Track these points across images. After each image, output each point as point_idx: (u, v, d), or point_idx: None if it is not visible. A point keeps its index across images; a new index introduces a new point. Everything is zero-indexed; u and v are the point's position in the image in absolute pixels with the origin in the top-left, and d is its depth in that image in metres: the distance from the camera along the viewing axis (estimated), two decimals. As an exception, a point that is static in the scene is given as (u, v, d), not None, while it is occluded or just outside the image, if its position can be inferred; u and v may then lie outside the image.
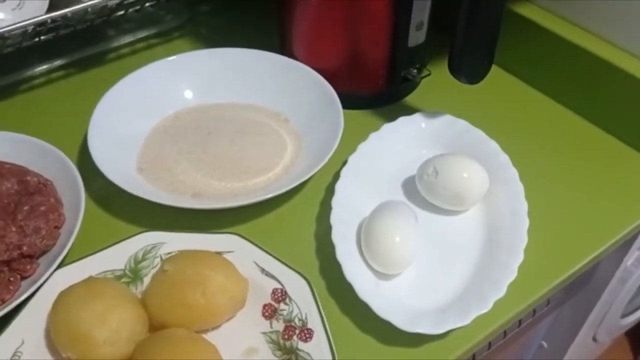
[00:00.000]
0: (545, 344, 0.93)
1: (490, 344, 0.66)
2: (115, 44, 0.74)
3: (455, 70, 0.57)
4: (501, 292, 0.47)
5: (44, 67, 0.70)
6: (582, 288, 0.76)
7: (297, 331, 0.46)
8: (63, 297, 0.44)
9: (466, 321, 0.46)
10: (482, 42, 0.54)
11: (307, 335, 0.46)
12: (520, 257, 0.49)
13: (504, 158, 0.57)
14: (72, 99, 0.68)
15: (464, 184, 0.53)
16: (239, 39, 0.67)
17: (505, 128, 0.62)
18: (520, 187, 0.54)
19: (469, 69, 0.57)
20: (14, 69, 0.69)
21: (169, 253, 0.50)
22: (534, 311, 0.69)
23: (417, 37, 0.61)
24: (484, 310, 0.46)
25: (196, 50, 0.66)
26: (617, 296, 0.79)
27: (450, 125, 0.60)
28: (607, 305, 0.81)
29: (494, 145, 0.58)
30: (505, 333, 0.68)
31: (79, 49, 0.72)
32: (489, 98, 0.67)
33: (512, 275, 0.48)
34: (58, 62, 0.71)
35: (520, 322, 0.69)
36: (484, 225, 0.54)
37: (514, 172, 0.56)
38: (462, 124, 0.60)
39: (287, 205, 0.58)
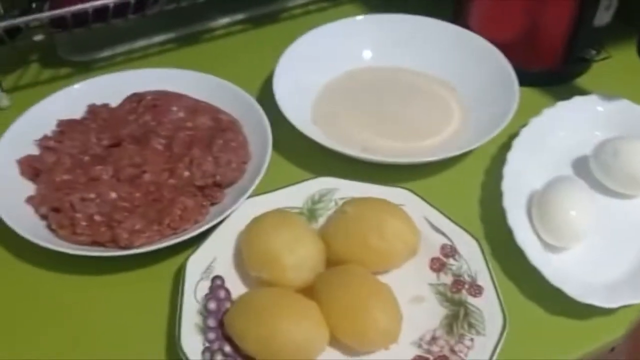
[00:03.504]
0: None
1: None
2: (290, 3, 0.78)
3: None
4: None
5: (225, 20, 0.75)
6: None
7: (467, 286, 0.48)
8: (258, 223, 0.48)
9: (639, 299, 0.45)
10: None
11: (476, 291, 0.47)
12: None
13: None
14: (248, 51, 0.72)
15: (642, 169, 0.52)
16: (408, 6, 0.69)
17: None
18: (702, 179, 0.53)
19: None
20: (200, 18, 0.74)
21: (342, 198, 0.53)
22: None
23: (604, 16, 0.60)
24: (660, 292, 0.46)
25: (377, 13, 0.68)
26: None
27: (627, 110, 0.59)
28: None
29: (673, 134, 0.56)
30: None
31: (256, 6, 0.77)
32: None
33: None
34: (238, 17, 0.76)
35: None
36: (659, 211, 0.53)
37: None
38: (640, 110, 0.59)
39: (451, 170, 0.59)
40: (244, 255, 0.48)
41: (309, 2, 0.78)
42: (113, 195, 0.51)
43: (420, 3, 0.70)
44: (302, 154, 0.59)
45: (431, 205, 0.52)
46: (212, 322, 0.45)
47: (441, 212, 0.52)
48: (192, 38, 0.74)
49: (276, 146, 0.60)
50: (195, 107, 0.58)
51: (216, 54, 0.73)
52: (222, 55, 0.72)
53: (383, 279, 0.49)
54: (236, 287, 0.48)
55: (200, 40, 0.74)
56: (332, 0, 0.79)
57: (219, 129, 0.56)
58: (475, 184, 0.58)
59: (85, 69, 0.69)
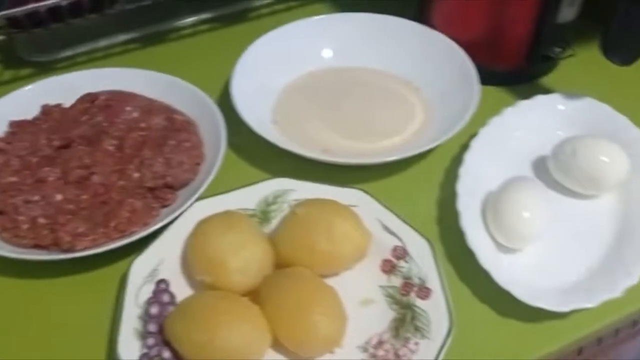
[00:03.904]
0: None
1: (600, 339, 0.64)
2: (258, 3, 0.77)
3: (610, 50, 0.55)
4: (634, 280, 0.45)
5: (191, 19, 0.74)
6: None
7: (415, 288, 0.47)
8: (203, 225, 0.47)
9: (593, 303, 0.45)
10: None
11: (425, 294, 0.46)
12: (657, 248, 0.47)
13: (648, 147, 0.54)
14: (215, 50, 0.71)
15: (602, 168, 0.52)
16: (375, 5, 0.68)
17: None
18: (663, 178, 0.52)
19: (626, 49, 0.54)
20: (165, 18, 0.74)
21: (297, 200, 0.52)
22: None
23: (567, 13, 0.59)
24: (614, 295, 0.45)
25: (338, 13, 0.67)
26: None
27: (591, 109, 0.58)
28: None
29: (637, 132, 0.55)
30: (617, 332, 0.65)
31: (223, 6, 0.76)
32: (634, 84, 0.64)
33: (647, 264, 0.46)
34: (204, 16, 0.75)
35: (634, 322, 0.66)
36: (619, 212, 0.52)
37: (657, 162, 0.53)
38: (605, 108, 0.58)
39: (411, 170, 0.58)
40: (189, 259, 0.47)
41: (276, 2, 0.77)
42: (59, 197, 0.50)
43: (386, 2, 0.69)
44: (262, 155, 0.59)
45: (384, 206, 0.51)
46: (152, 327, 0.44)
47: (394, 213, 0.51)
48: (157, 37, 0.73)
49: (236, 147, 0.60)
50: (150, 107, 0.57)
51: (182, 53, 0.72)
52: (187, 55, 0.71)
53: (333, 281, 0.48)
54: (183, 291, 0.47)
55: (165, 40, 0.73)
56: (300, 0, 0.78)
57: (173, 130, 0.56)
58: (434, 185, 0.57)
59: (47, 69, 0.68)
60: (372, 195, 0.52)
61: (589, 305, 0.45)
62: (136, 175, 0.52)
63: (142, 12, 0.68)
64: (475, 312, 0.47)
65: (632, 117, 0.57)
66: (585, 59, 0.63)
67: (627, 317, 0.47)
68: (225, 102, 0.60)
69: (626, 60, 0.55)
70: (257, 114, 0.59)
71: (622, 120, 0.56)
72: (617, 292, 0.45)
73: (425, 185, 0.57)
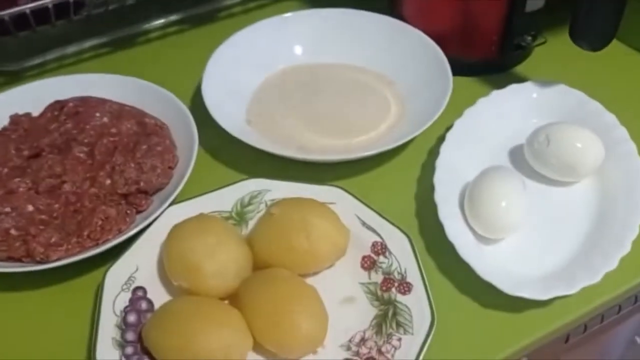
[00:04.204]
0: (639, 340, 0.89)
1: (586, 326, 0.64)
2: (229, 2, 0.76)
3: (577, 36, 0.55)
4: (612, 265, 0.45)
5: (160, 22, 0.73)
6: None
7: (396, 284, 0.46)
8: (177, 230, 0.47)
9: (573, 290, 0.44)
10: (610, 6, 0.52)
11: (405, 289, 0.46)
12: (635, 232, 0.47)
13: (622, 131, 0.54)
14: (184, 52, 0.71)
15: (576, 155, 0.52)
16: (347, 0, 0.68)
17: (624, 101, 0.59)
18: (638, 162, 0.52)
19: (593, 35, 0.54)
20: (134, 21, 0.72)
21: (273, 200, 0.52)
22: (636, 298, 0.66)
23: (536, 1, 0.59)
24: (593, 282, 0.45)
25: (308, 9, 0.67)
26: None
27: (564, 96, 0.58)
28: None
29: (611, 117, 0.55)
30: (602, 317, 0.65)
31: (193, 6, 0.75)
32: (606, 70, 0.64)
33: (626, 249, 0.46)
34: (173, 17, 0.74)
35: (620, 307, 0.66)
36: (596, 198, 0.52)
37: (631, 146, 0.53)
38: (577, 94, 0.58)
39: (388, 165, 0.58)
40: (165, 265, 0.46)
41: (248, 0, 0.77)
42: (30, 208, 0.49)
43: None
44: (237, 156, 0.58)
45: (362, 202, 0.51)
46: (131, 336, 0.43)
47: (372, 209, 0.50)
48: (126, 41, 0.72)
49: (210, 149, 0.59)
50: (120, 112, 0.56)
51: (152, 56, 0.71)
52: (157, 57, 0.71)
53: (313, 280, 0.48)
54: (161, 298, 0.47)
55: (135, 43, 0.72)
56: (271, -4, 0.78)
57: (144, 134, 0.55)
58: (411, 179, 0.57)
59: (16, 78, 0.67)
60: (349, 192, 0.52)
61: (570, 293, 0.45)
62: (108, 182, 0.51)
63: (110, 16, 0.67)
64: (457, 305, 0.47)
65: (605, 102, 0.57)
66: (558, 46, 0.63)
67: (610, 302, 0.47)
68: (198, 104, 0.59)
69: (595, 46, 0.55)
70: (230, 114, 0.58)
71: (595, 106, 0.56)
72: (597, 278, 0.45)
73: (402, 179, 0.56)
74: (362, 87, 0.63)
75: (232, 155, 0.58)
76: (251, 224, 0.51)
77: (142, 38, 0.73)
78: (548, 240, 0.50)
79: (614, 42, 0.56)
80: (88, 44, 0.70)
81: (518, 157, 0.56)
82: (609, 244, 0.47)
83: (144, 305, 0.46)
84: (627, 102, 0.60)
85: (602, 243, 0.47)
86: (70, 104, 0.56)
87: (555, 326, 0.46)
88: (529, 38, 0.62)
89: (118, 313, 0.44)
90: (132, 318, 0.44)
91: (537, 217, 0.51)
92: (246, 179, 0.53)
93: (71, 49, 0.70)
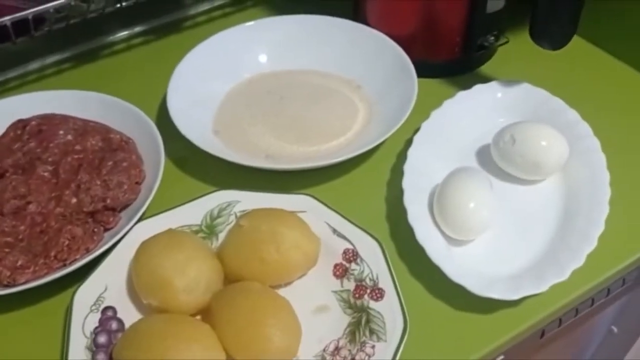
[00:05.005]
0: (615, 329, 0.90)
1: (560, 320, 0.65)
2: (192, 11, 0.75)
3: (537, 36, 0.55)
4: (580, 262, 0.46)
5: (124, 34, 0.73)
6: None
7: (368, 290, 0.46)
8: (145, 246, 0.46)
9: (542, 288, 0.45)
10: (568, 5, 0.52)
11: (378, 295, 0.46)
12: (601, 227, 0.47)
13: (585, 127, 0.55)
14: (150, 64, 0.70)
15: (542, 153, 0.52)
16: (312, 6, 0.68)
17: (586, 98, 0.60)
18: (601, 157, 0.53)
19: (553, 34, 0.55)
20: (97, 34, 0.72)
21: (243, 211, 0.51)
22: (608, 290, 0.66)
23: (496, 2, 0.59)
24: (562, 279, 0.45)
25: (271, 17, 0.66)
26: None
27: (528, 94, 0.59)
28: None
29: (574, 114, 0.56)
30: (577, 311, 0.66)
31: (157, 17, 0.74)
32: (568, 67, 0.65)
33: (592, 245, 0.47)
34: (137, 29, 0.73)
35: (593, 300, 0.67)
36: (562, 195, 0.53)
37: (594, 142, 0.54)
38: (541, 92, 0.58)
39: (358, 170, 0.58)
40: (134, 282, 0.46)
41: (212, 9, 0.76)
42: (-6, 231, 0.48)
43: (323, 3, 0.69)
44: (206, 168, 0.57)
45: (332, 209, 0.51)
46: (102, 357, 0.43)
47: (342, 216, 0.50)
48: (89, 55, 0.71)
49: (178, 162, 0.59)
50: (85, 129, 0.55)
51: (117, 69, 0.70)
52: (122, 70, 0.70)
53: (285, 291, 0.48)
54: (132, 317, 0.46)
55: (99, 57, 0.71)
56: (235, 5, 0.77)
57: (110, 150, 0.54)
58: (381, 183, 0.57)
59: (-23, 97, 0.66)
60: (319, 200, 0.51)
61: (539, 291, 0.45)
62: (74, 200, 0.51)
63: (72, 31, 0.66)
64: (430, 308, 0.47)
65: (568, 99, 0.58)
66: (520, 45, 0.63)
67: (580, 297, 0.48)
68: (164, 116, 0.58)
69: (555, 45, 0.55)
70: (197, 125, 0.58)
71: (558, 103, 0.57)
72: (564, 275, 0.45)
73: (372, 184, 0.57)
74: (329, 92, 0.63)
75: (200, 167, 0.58)
76: (221, 236, 0.51)
77: (107, 51, 0.72)
78: (517, 240, 0.50)
79: (575, 38, 0.57)
80: (50, 59, 0.69)
81: (485, 157, 0.56)
82: (575, 241, 0.47)
83: (114, 325, 0.45)
84: (590, 98, 0.61)
85: (569, 240, 0.48)
86: (33, 123, 0.55)
87: (527, 324, 0.47)
88: (492, 38, 0.63)
89: (88, 334, 0.44)
90: (102, 339, 0.44)
91: (505, 216, 0.51)
92: (215, 190, 0.53)
93: (33, 65, 0.69)
